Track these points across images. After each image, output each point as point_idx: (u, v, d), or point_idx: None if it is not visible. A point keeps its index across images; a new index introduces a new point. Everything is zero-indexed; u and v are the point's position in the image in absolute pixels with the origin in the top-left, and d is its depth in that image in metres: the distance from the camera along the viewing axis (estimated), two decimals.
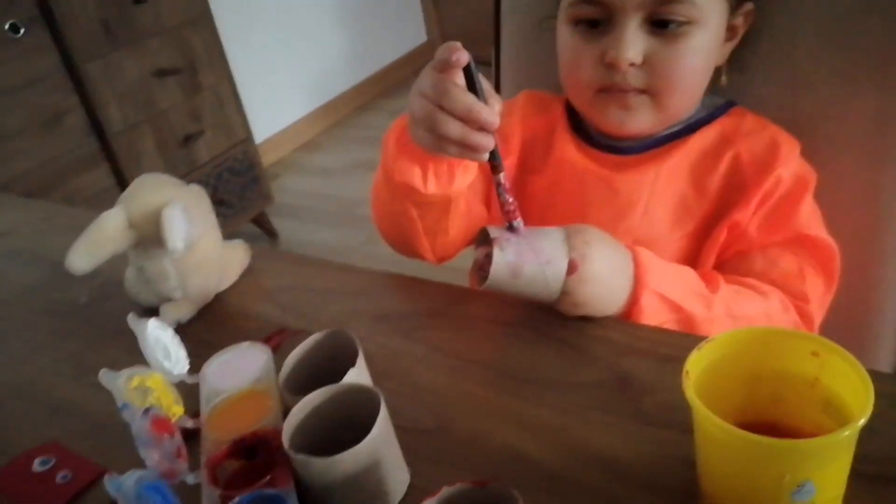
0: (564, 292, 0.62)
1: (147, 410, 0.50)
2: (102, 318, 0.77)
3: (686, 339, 0.61)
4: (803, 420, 0.47)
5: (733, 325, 0.66)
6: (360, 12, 3.43)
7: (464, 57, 0.58)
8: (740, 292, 0.69)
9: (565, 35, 0.75)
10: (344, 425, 0.49)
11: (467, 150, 0.60)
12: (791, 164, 0.72)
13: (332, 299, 0.75)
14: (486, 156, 0.60)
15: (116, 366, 0.69)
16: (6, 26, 1.76)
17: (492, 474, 0.51)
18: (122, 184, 2.08)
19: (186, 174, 2.21)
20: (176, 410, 0.57)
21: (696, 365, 0.44)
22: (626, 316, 0.65)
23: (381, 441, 0.48)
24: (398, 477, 0.51)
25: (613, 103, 0.73)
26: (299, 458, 0.46)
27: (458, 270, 0.87)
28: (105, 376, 0.55)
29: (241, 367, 0.59)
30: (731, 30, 0.74)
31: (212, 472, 0.50)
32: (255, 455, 0.52)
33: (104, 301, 0.79)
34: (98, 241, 0.66)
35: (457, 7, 3.60)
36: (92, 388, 0.66)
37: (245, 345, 0.61)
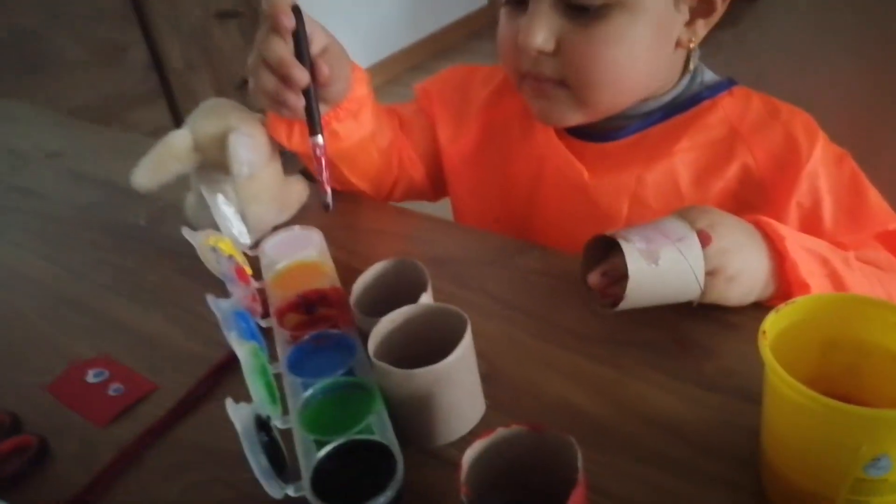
0: (711, 271, 0.53)
1: (231, 257, 0.59)
2: (160, 239, 0.77)
3: (751, 307, 0.59)
4: (880, 394, 0.45)
5: (869, 287, 0.60)
6: None
7: (287, 22, 0.58)
8: (861, 258, 0.62)
9: (501, 12, 0.68)
10: (428, 346, 0.49)
11: (277, 104, 0.62)
12: (816, 153, 0.64)
13: (386, 240, 0.74)
14: (300, 114, 0.62)
15: (171, 285, 0.70)
16: None
17: (544, 423, 0.51)
18: (179, 122, 2.09)
19: None
20: (247, 269, 0.63)
21: (773, 326, 0.42)
22: (780, 278, 0.56)
23: (460, 364, 0.47)
24: (474, 404, 0.51)
25: (533, 92, 0.67)
26: (380, 366, 0.46)
27: None
28: (187, 232, 0.63)
29: (296, 244, 0.65)
30: (705, 1, 0.63)
31: (280, 318, 0.57)
32: (316, 310, 0.58)
33: (162, 224, 0.80)
34: (163, 161, 0.66)
35: None
36: (146, 306, 0.68)
37: (297, 228, 0.68)
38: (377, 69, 3.30)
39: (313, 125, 0.62)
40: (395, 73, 3.38)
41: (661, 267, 0.52)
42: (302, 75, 0.59)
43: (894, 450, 0.38)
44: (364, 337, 0.50)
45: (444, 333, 0.48)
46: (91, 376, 0.61)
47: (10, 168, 0.99)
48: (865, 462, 0.38)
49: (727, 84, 0.69)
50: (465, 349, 0.47)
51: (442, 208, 0.85)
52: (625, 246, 0.52)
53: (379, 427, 0.45)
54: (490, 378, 0.55)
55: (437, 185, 0.84)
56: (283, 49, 0.59)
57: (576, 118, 0.67)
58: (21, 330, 0.68)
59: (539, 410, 0.52)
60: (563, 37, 0.61)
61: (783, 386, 0.39)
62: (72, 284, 0.73)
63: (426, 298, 0.53)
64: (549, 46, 0.61)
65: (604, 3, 0.59)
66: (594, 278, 0.56)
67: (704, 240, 0.53)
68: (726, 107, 0.68)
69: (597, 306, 0.57)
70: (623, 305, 0.53)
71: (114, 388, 0.59)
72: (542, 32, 0.60)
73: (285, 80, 0.60)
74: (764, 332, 0.41)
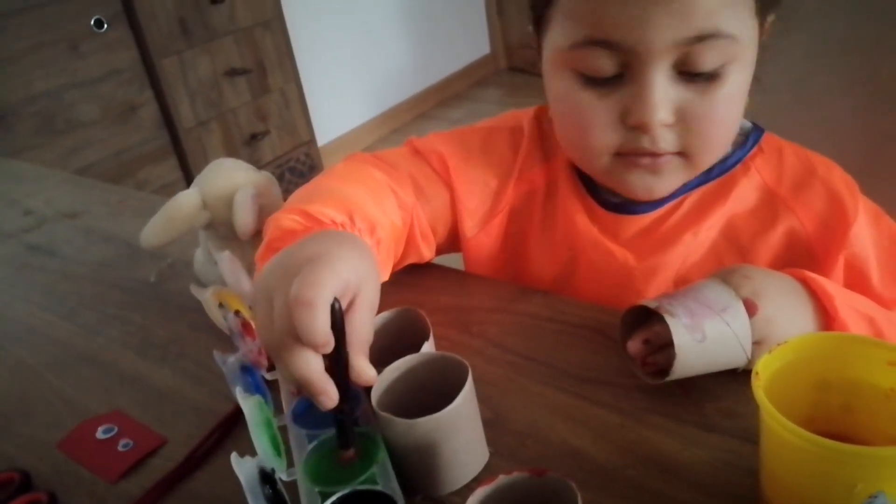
0: (758, 341, 0.52)
1: (237, 312, 0.59)
2: (169, 295, 0.79)
3: None
4: (874, 433, 0.45)
5: None
6: (426, 22, 3.48)
7: (327, 350, 0.45)
8: None
9: (567, 84, 0.59)
10: (431, 395, 0.49)
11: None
12: (860, 211, 0.62)
13: (390, 290, 0.74)
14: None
15: (180, 340, 0.72)
16: (91, 21, 1.84)
17: (548, 467, 0.51)
18: (189, 178, 2.15)
19: None
20: (253, 324, 0.63)
21: (766, 367, 0.43)
22: None
23: (462, 412, 0.48)
24: (477, 452, 0.51)
25: (638, 168, 0.61)
26: (383, 416, 0.47)
27: None
28: (194, 289, 0.65)
29: None
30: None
31: None
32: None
33: (172, 280, 0.82)
34: (173, 220, 0.68)
35: (521, 20, 3.62)
36: (155, 361, 0.69)
37: None
38: (384, 118, 3.37)
39: (344, 440, 0.48)
40: (402, 121, 3.44)
41: (708, 341, 0.51)
42: (330, 401, 0.46)
43: (890, 487, 0.39)
44: (368, 387, 0.51)
45: (446, 382, 0.49)
46: (101, 432, 0.62)
47: (24, 226, 1.02)
48: (862, 500, 0.39)
49: (755, 136, 0.67)
50: (465, 397, 0.48)
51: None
52: (670, 321, 0.51)
53: (382, 477, 0.45)
54: (494, 424, 0.56)
55: (440, 252, 0.78)
56: (312, 370, 0.45)
57: (679, 183, 0.64)
58: (33, 386, 0.69)
59: (543, 455, 0.53)
60: (681, 105, 0.56)
61: (778, 426, 0.40)
62: (83, 340, 0.74)
63: (428, 347, 0.54)
64: (671, 119, 0.56)
65: (722, 63, 0.55)
66: (635, 347, 0.54)
67: (750, 309, 0.52)
68: (760, 169, 0.66)
69: (639, 374, 0.56)
70: (669, 379, 0.53)
71: (123, 444, 0.60)
72: (664, 106, 0.55)
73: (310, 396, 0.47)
74: (757, 374, 0.42)
